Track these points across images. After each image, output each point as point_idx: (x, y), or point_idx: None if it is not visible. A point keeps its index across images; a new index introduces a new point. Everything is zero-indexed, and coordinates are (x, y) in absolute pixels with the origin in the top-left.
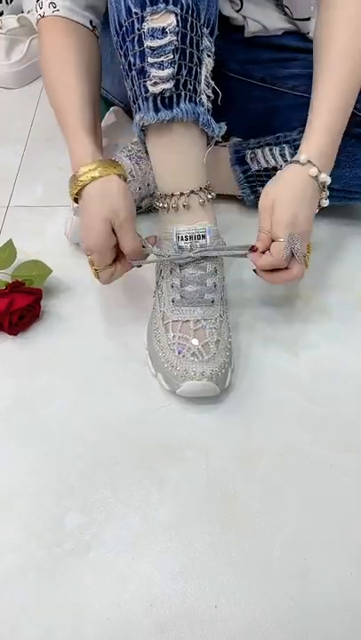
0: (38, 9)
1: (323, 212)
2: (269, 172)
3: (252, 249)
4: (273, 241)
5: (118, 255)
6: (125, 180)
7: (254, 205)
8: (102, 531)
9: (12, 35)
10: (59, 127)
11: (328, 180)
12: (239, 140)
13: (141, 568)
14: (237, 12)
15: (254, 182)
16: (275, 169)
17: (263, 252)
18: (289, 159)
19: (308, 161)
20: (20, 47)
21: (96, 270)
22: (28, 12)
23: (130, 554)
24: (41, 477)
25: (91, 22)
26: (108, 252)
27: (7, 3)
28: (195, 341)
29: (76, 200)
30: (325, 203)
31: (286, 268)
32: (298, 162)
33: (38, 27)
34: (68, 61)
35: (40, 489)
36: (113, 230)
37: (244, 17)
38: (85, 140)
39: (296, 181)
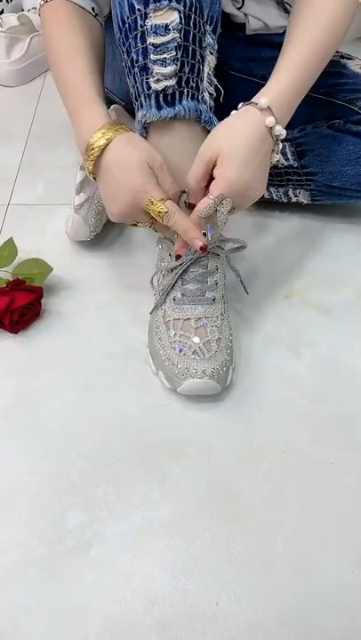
0: None
1: (323, 212)
2: (270, 171)
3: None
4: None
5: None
6: None
7: (256, 204)
8: (104, 528)
9: (12, 33)
10: (63, 103)
11: (283, 134)
12: None
13: (143, 565)
14: (239, 9)
15: None
16: (275, 167)
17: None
18: (290, 158)
19: (268, 107)
20: (20, 45)
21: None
22: (29, 10)
23: (131, 551)
24: (42, 475)
25: (93, 9)
26: (155, 190)
27: (7, 1)
28: (196, 339)
29: (95, 177)
30: (276, 158)
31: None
32: (256, 105)
33: (42, 11)
34: (74, 41)
35: (41, 487)
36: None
37: (246, 14)
38: (93, 107)
39: (252, 133)
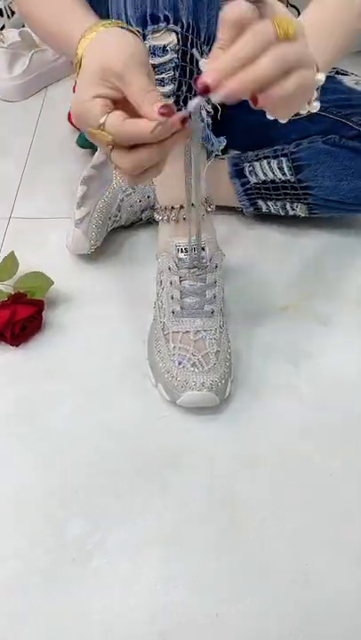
0: None
1: (320, 223)
2: (268, 185)
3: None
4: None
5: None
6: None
7: (254, 217)
8: (105, 538)
9: (13, 48)
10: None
11: (322, 80)
12: (238, 153)
13: (144, 576)
14: None
15: (253, 195)
16: (273, 181)
17: None
18: (287, 172)
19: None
20: (22, 61)
21: (110, 147)
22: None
23: (132, 562)
24: (43, 485)
25: None
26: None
27: (8, 17)
28: (195, 352)
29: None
30: (317, 106)
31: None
32: None
33: None
34: None
35: (42, 497)
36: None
37: None
38: (81, 14)
39: None
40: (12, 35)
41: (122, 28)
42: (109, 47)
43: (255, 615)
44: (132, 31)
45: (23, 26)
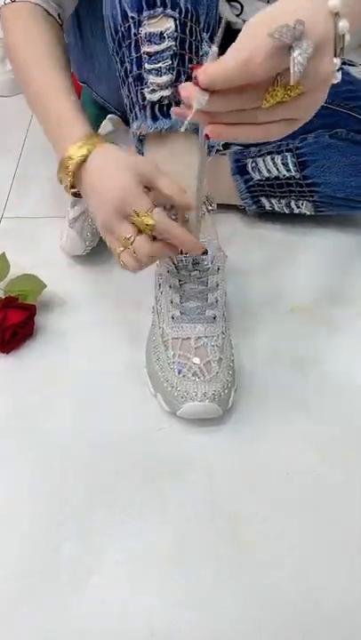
0: None
1: (326, 222)
2: (272, 182)
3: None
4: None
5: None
6: None
7: (257, 215)
8: (101, 556)
9: None
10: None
11: (347, 34)
12: (240, 148)
13: (142, 596)
14: (238, 16)
15: (256, 192)
16: (277, 178)
17: None
18: (292, 168)
19: None
20: None
21: (122, 250)
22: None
23: (129, 580)
24: (35, 502)
25: (59, 16)
26: (141, 198)
27: None
28: (196, 360)
29: (74, 194)
30: (338, 77)
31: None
32: None
33: (3, 12)
34: (41, 50)
35: (34, 514)
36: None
37: (245, 21)
38: (71, 120)
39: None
40: None
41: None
42: (129, 158)
43: (259, 637)
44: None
45: None
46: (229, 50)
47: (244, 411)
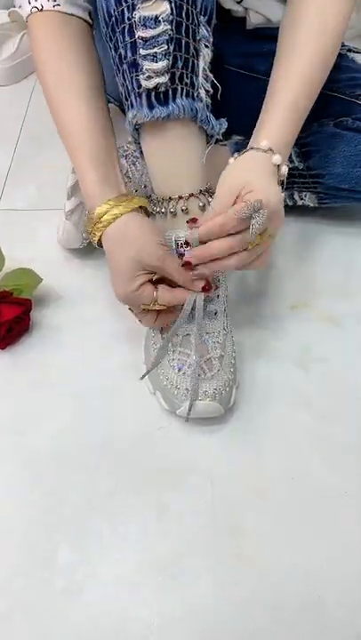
0: (31, 1)
1: (331, 214)
2: None
3: (193, 220)
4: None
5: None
6: (147, 212)
7: None
8: (96, 568)
9: (2, 30)
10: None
11: (285, 173)
12: (240, 138)
13: (139, 611)
14: (238, 3)
15: None
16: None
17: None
18: (295, 159)
19: (270, 149)
20: (10, 43)
21: (137, 314)
22: (19, 6)
23: (126, 594)
24: (29, 508)
25: (90, 14)
26: (141, 293)
27: None
28: (196, 357)
29: (100, 244)
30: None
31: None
32: (258, 148)
33: (30, 21)
34: (70, 77)
35: (28, 521)
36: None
37: (246, 8)
38: (93, 174)
39: (263, 168)
40: (1, 16)
41: (139, 208)
42: (138, 244)
43: None
44: (143, 207)
45: (13, 6)
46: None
47: (246, 410)
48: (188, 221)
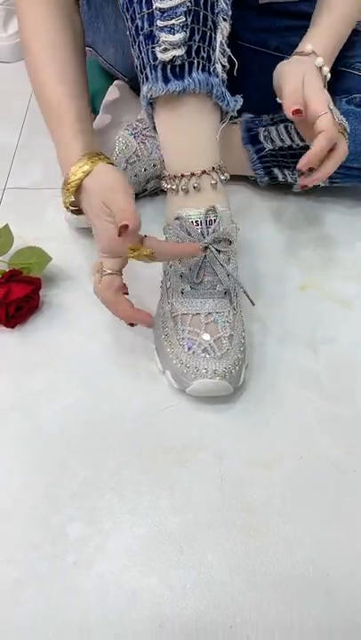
0: None
1: (341, 194)
2: (285, 152)
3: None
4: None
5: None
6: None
7: (269, 187)
8: (107, 542)
9: (8, 5)
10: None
11: (328, 75)
12: (251, 116)
13: (150, 583)
14: None
15: (268, 162)
16: (290, 148)
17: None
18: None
19: (313, 52)
20: (16, 19)
21: (101, 275)
22: None
23: (137, 567)
24: (40, 484)
25: None
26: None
27: None
28: (206, 336)
29: (75, 211)
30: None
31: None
32: (302, 52)
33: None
34: (54, 42)
35: (39, 497)
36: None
37: None
38: (72, 136)
39: (311, 67)
40: None
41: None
42: (108, 185)
43: (272, 628)
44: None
45: None
46: None
47: (255, 389)
48: (293, 112)
